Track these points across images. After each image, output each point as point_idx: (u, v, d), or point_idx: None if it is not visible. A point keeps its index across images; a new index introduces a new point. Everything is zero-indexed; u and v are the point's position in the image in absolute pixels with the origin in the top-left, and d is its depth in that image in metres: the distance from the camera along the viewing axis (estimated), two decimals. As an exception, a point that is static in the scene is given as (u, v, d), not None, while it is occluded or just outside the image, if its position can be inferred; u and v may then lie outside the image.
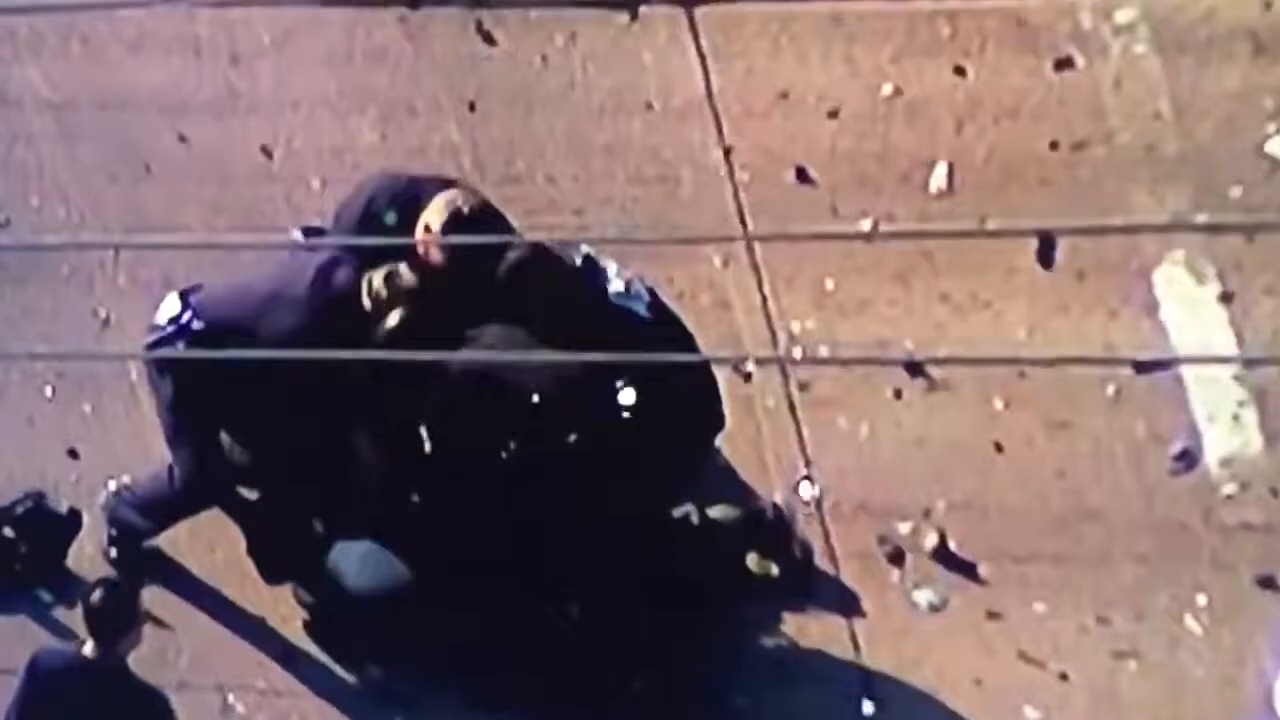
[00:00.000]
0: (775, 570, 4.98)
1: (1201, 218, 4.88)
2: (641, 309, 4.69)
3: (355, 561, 5.04)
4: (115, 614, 4.61)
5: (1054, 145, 5.12)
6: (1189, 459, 4.86)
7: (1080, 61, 5.08)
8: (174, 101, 5.67)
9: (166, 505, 5.23)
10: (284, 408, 4.87)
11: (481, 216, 4.66)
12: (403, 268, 4.71)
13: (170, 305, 4.95)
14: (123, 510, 5.34)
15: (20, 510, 5.44)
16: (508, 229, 4.69)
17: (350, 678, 5.13)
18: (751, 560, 5.02)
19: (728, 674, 4.92)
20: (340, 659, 5.16)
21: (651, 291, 4.70)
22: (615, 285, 4.67)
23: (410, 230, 4.63)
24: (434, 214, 4.64)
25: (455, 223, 4.62)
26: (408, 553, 5.00)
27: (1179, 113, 4.99)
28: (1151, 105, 4.97)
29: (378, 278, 4.76)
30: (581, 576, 4.83)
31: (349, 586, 5.03)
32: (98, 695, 4.61)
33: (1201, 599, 4.79)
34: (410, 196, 4.80)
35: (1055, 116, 5.05)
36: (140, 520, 5.32)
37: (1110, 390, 4.94)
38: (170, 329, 4.92)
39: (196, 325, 4.86)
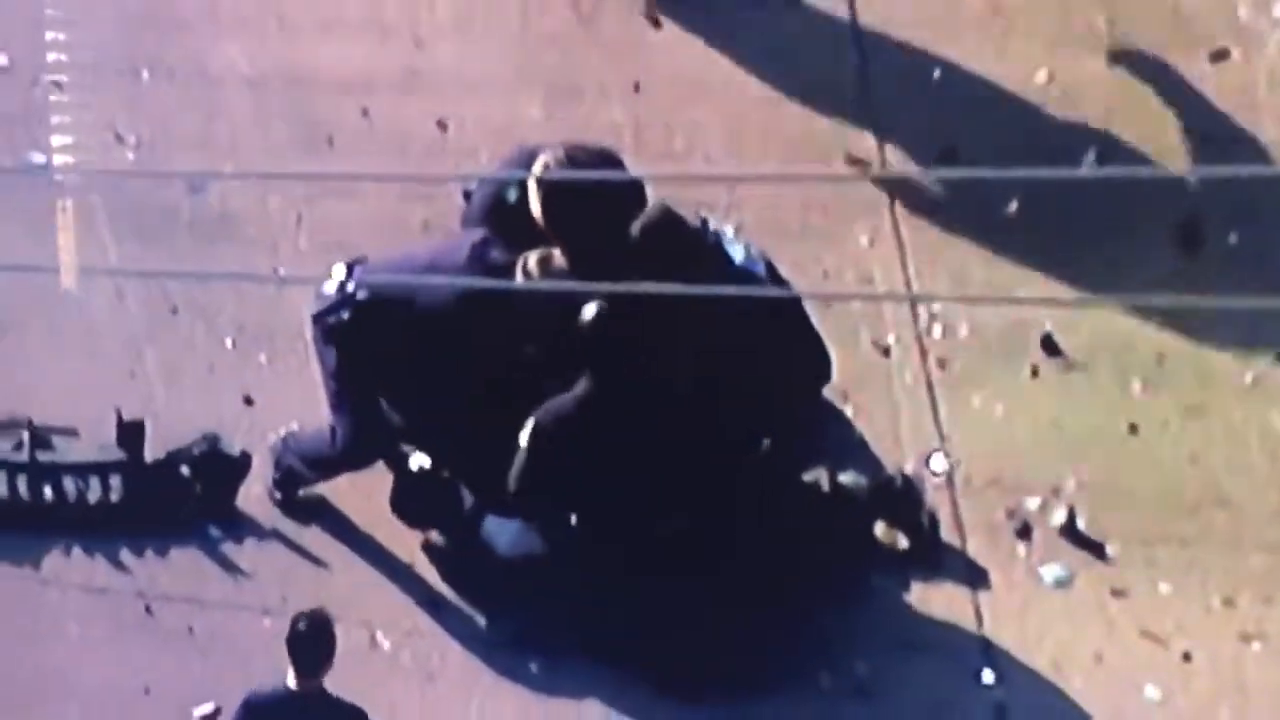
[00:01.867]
0: (902, 540, 5.05)
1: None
2: (761, 270, 4.82)
3: (508, 534, 5.21)
4: (317, 644, 4.81)
5: (1206, 139, 5.18)
6: None
7: (1236, 53, 5.14)
8: (359, 79, 5.96)
9: (327, 460, 5.43)
10: (440, 379, 5.08)
11: (588, 160, 4.73)
12: (556, 252, 4.87)
13: (337, 274, 5.16)
14: (288, 457, 5.57)
15: (196, 451, 5.67)
16: (620, 169, 4.77)
17: (488, 626, 5.32)
18: (879, 529, 5.08)
19: (851, 641, 4.98)
20: (480, 608, 5.35)
21: (766, 258, 4.83)
22: (735, 247, 4.80)
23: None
24: (538, 167, 4.75)
25: (565, 165, 4.72)
26: (550, 528, 5.19)
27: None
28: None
29: (533, 259, 4.94)
30: (713, 540, 4.94)
31: (500, 555, 5.20)
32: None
33: None
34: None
35: (1207, 108, 5.10)
36: (303, 468, 5.57)
37: (1249, 378, 4.95)
38: (335, 297, 5.12)
39: (360, 295, 5.08)
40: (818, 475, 5.05)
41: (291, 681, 4.83)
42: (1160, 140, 4.94)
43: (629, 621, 5.07)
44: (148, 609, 5.55)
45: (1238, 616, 4.75)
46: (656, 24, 5.43)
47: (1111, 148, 4.98)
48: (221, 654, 5.47)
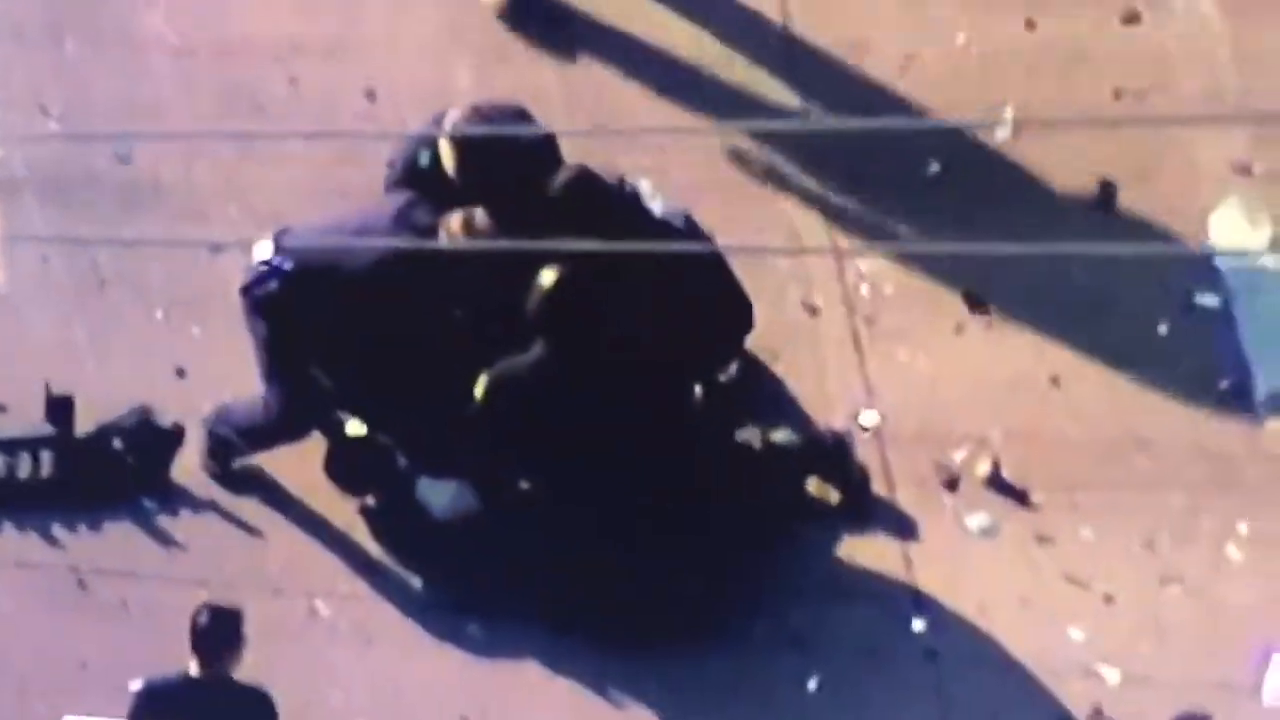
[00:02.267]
0: (834, 494, 5.29)
1: (1258, 166, 5.16)
2: (680, 224, 5.05)
3: (443, 496, 5.40)
4: (221, 636, 4.99)
5: (1117, 95, 5.41)
6: (1236, 393, 5.12)
7: (1146, 16, 5.39)
8: (286, 47, 6.11)
9: (261, 431, 5.60)
10: (371, 344, 5.24)
11: (496, 115, 4.92)
12: (478, 211, 5.05)
13: (264, 246, 5.31)
14: (221, 428, 5.73)
15: (128, 424, 5.81)
16: (531, 123, 4.96)
17: (425, 589, 5.51)
18: (811, 484, 5.32)
19: (785, 592, 5.21)
20: (417, 572, 5.53)
21: (687, 213, 5.06)
22: (653, 203, 5.02)
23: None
24: (447, 123, 4.95)
25: (474, 121, 4.88)
26: (484, 487, 5.38)
27: (1239, 65, 5.28)
28: (1211, 55, 5.27)
29: (455, 219, 5.10)
30: (645, 497, 5.10)
31: (436, 517, 5.40)
32: (205, 708, 5.02)
33: (1243, 527, 5.00)
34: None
35: (1120, 67, 5.34)
36: (238, 440, 5.72)
37: (1163, 328, 5.21)
38: (263, 269, 5.30)
39: (286, 265, 5.24)
40: (749, 434, 5.30)
41: (193, 669, 5.00)
42: (1074, 99, 5.24)
43: (564, 580, 5.29)
44: (81, 583, 5.69)
45: (1157, 559, 5.01)
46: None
47: (1028, 107, 5.28)
48: (157, 627, 5.57)
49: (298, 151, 5.91)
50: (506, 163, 4.91)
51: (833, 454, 5.28)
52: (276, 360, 5.36)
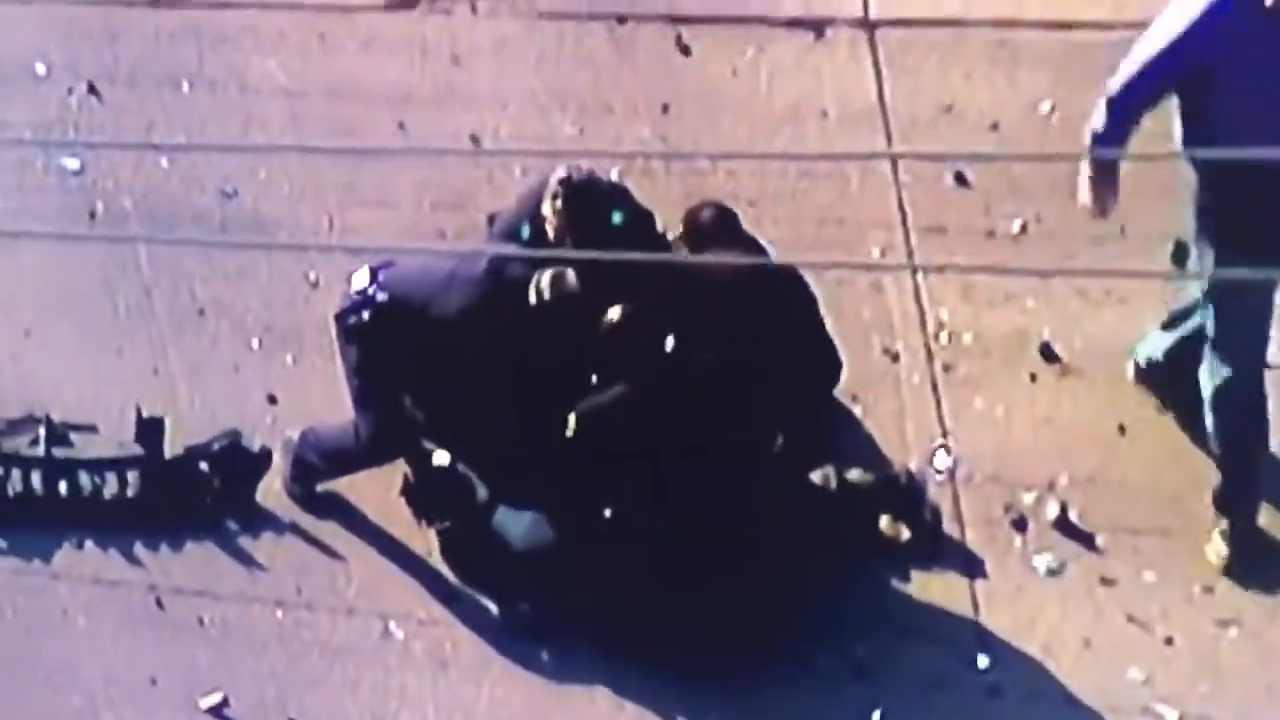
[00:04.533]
0: (905, 532, 6.13)
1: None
2: (771, 256, 5.85)
3: (521, 526, 6.15)
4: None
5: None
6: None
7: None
8: (397, 94, 7.17)
9: (349, 456, 6.28)
10: (457, 381, 6.21)
11: (588, 184, 5.68)
12: (569, 271, 6.06)
13: (361, 277, 6.05)
14: (308, 453, 6.45)
15: (216, 447, 6.49)
16: (624, 195, 5.76)
17: (500, 615, 6.21)
18: (884, 522, 6.17)
19: (852, 626, 5.94)
20: (492, 598, 6.20)
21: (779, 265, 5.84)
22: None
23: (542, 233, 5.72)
24: (547, 195, 5.69)
25: (566, 190, 5.66)
26: (561, 519, 6.18)
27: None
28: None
29: (545, 276, 6.11)
30: (722, 533, 5.86)
31: (512, 547, 6.14)
32: None
33: None
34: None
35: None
36: (320, 463, 6.54)
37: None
38: (357, 298, 6.07)
39: (380, 297, 5.97)
40: (826, 473, 6.15)
41: None
42: (1147, 167, 6.21)
43: (638, 611, 6.01)
44: (158, 601, 6.32)
45: (1216, 603, 5.82)
46: (686, 51, 6.79)
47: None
48: (233, 644, 6.24)
49: (401, 194, 7.04)
50: (605, 231, 5.77)
51: (906, 493, 6.10)
52: (367, 387, 6.11)
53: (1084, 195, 5.67)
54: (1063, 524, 6.15)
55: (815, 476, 6.14)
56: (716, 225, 5.90)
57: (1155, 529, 6.00)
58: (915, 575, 6.11)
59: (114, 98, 7.16)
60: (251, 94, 7.13)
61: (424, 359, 6.03)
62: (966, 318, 6.30)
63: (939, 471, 6.18)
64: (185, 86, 7.18)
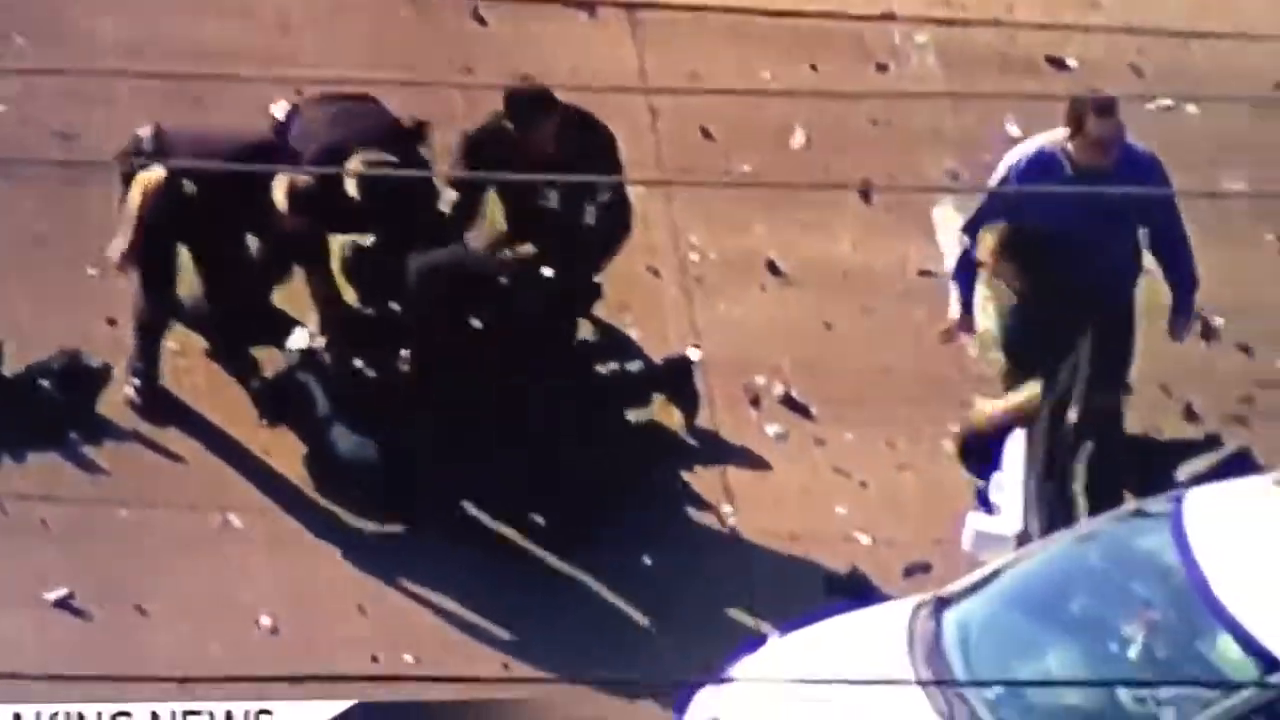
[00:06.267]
0: (676, 413, 8.60)
1: (964, 175, 9.02)
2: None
3: (350, 443, 7.92)
4: None
5: (874, 121, 9.41)
6: (952, 335, 8.67)
7: (891, 65, 9.41)
8: (226, 52, 8.89)
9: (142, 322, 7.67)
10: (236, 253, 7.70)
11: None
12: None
13: (145, 129, 7.66)
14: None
15: (55, 365, 7.75)
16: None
17: (335, 504, 8.00)
18: (658, 400, 8.63)
19: (636, 486, 8.34)
20: (328, 492, 7.92)
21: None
22: None
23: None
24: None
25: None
26: (386, 442, 7.91)
27: (955, 107, 9.26)
28: (934, 99, 9.13)
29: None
30: (529, 431, 8.04)
31: (340, 459, 7.93)
32: None
33: (954, 428, 8.60)
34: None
35: (875, 101, 9.20)
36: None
37: (902, 287, 8.99)
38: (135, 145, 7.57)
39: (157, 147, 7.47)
40: (609, 368, 8.56)
41: None
42: (845, 123, 9.06)
43: (451, 492, 7.98)
44: (1, 508, 7.65)
45: (896, 454, 8.58)
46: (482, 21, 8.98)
47: (814, 125, 9.04)
48: (77, 544, 7.53)
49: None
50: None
51: (675, 378, 8.64)
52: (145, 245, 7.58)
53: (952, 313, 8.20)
54: (787, 400, 8.85)
55: (601, 369, 8.62)
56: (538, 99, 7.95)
57: (852, 400, 8.76)
58: (677, 446, 8.65)
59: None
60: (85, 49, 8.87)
61: (204, 226, 7.68)
62: (711, 241, 8.92)
63: (693, 362, 8.99)
64: (19, 40, 8.98)
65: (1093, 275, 8.06)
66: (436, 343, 8.14)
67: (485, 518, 8.21)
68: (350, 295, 8.25)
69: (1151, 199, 8.04)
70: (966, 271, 8.27)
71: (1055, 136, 8.13)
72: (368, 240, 8.16)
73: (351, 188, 7.91)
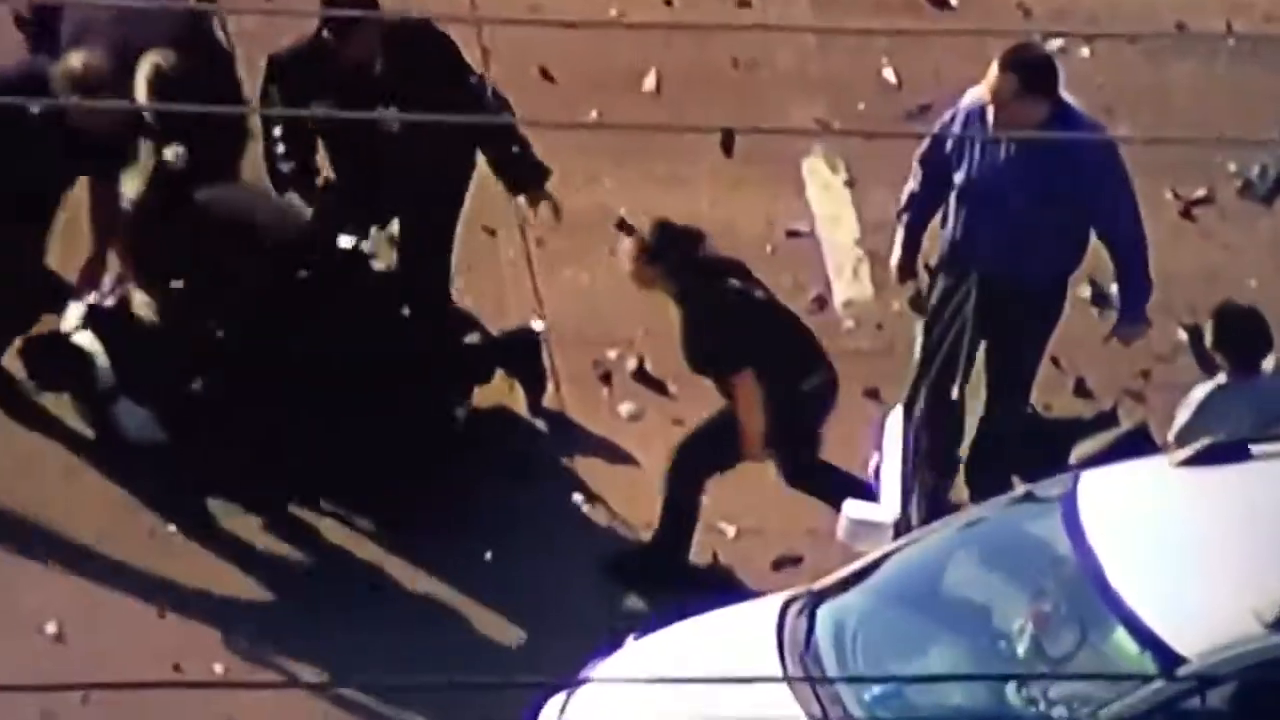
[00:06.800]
0: (517, 384, 8.04)
1: (836, 124, 8.50)
2: None
3: (136, 420, 7.61)
4: None
5: (736, 63, 8.82)
6: (821, 301, 8.24)
7: (755, 2, 8.80)
8: None
9: None
10: None
11: None
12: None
13: None
14: None
15: None
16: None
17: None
18: (499, 376, 8.09)
19: (462, 474, 7.80)
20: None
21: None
22: None
23: None
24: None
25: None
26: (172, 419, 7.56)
27: (824, 47, 8.67)
28: (802, 38, 8.58)
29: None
30: (348, 409, 7.55)
31: (127, 437, 7.67)
32: None
33: None
34: None
35: (737, 41, 8.58)
36: None
37: (768, 248, 8.40)
38: None
39: None
40: (441, 338, 7.95)
41: None
42: (703, 63, 8.51)
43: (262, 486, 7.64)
44: None
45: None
46: None
47: (667, 68, 8.41)
48: None
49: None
50: None
51: (516, 352, 8.00)
52: None
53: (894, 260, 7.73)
54: (640, 375, 8.28)
55: (436, 343, 7.97)
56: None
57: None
58: (523, 425, 8.11)
59: None
60: None
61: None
62: (556, 197, 8.16)
63: (535, 335, 8.35)
64: None
65: (1007, 254, 7.51)
66: (235, 303, 7.54)
67: (304, 511, 7.79)
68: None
69: (1103, 184, 7.48)
70: (915, 208, 7.66)
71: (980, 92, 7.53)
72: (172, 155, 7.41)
73: (141, 92, 7.20)
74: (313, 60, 7.45)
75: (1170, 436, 7.46)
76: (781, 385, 7.47)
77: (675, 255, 7.42)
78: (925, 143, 7.71)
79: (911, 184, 7.68)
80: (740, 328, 7.47)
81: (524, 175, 7.69)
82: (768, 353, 7.46)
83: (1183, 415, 7.46)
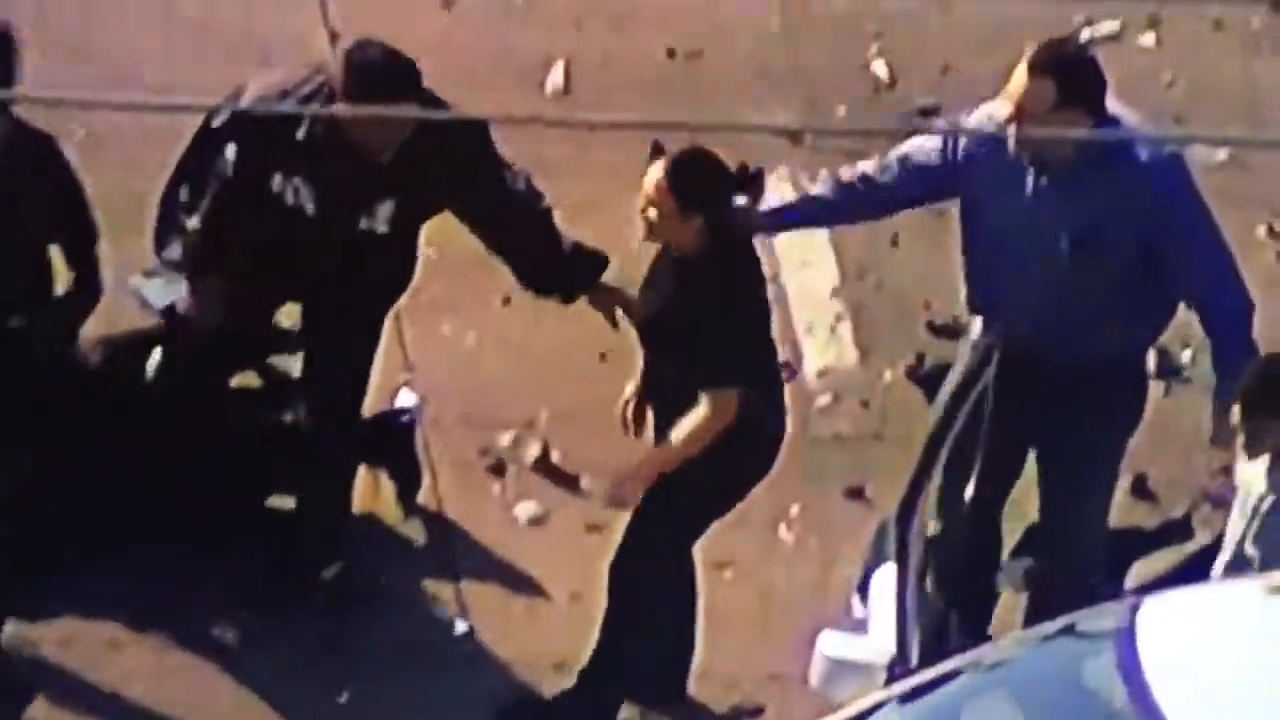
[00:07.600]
0: (386, 484, 6.39)
1: (808, 137, 6.78)
2: None
3: None
4: None
5: (671, 53, 7.12)
6: (789, 369, 6.54)
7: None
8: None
9: None
10: None
11: None
12: None
13: None
14: None
15: None
16: None
17: None
18: (361, 471, 6.38)
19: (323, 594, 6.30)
20: None
21: None
22: None
23: None
24: None
25: None
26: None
27: (788, 37, 6.98)
28: (764, 20, 6.94)
29: None
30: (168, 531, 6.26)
31: None
32: None
33: (795, 509, 6.46)
34: None
35: (672, 25, 6.96)
36: None
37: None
38: None
39: None
40: (277, 423, 6.34)
41: None
42: (626, 54, 6.90)
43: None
44: None
45: (708, 545, 6.21)
46: None
47: (579, 59, 6.90)
48: None
49: None
50: None
51: (378, 438, 6.37)
52: None
53: None
54: (544, 466, 6.64)
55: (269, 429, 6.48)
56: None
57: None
58: (394, 531, 6.50)
59: None
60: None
61: None
62: (431, 230, 6.42)
63: (403, 412, 6.62)
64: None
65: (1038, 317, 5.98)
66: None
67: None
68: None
69: (1175, 219, 5.89)
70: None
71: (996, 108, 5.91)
72: None
73: None
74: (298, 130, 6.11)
75: (1254, 549, 5.97)
76: (746, 427, 5.97)
77: (721, 208, 5.79)
78: (927, 145, 6.06)
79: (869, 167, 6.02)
80: (761, 337, 6.01)
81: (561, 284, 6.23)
82: (759, 381, 6.01)
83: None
